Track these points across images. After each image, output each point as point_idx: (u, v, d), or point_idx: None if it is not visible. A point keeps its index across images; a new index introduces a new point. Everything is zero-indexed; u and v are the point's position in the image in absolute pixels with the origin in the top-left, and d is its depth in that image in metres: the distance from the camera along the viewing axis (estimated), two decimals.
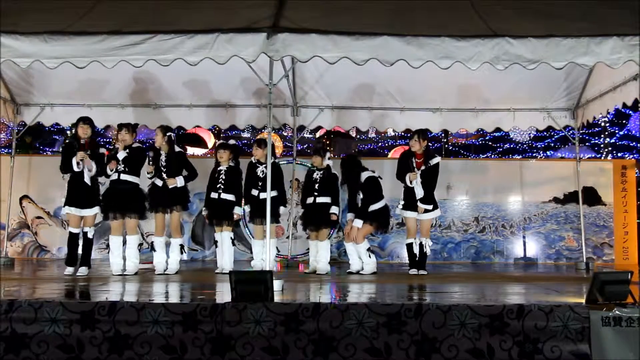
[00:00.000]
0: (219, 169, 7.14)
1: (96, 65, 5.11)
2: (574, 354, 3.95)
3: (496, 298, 4.76)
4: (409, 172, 6.93)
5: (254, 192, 7.07)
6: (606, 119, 14.73)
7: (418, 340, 3.97)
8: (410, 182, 6.92)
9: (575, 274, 7.74)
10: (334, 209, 7.06)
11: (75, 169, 6.43)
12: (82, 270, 6.48)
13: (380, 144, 18.81)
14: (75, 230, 6.59)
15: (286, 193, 7.50)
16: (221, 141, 7.69)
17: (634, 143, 16.63)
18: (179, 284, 5.89)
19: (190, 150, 13.50)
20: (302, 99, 8.78)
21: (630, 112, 14.91)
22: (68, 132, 7.06)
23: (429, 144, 7.25)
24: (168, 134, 6.84)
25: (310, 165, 7.48)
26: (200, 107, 8.83)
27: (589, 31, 5.11)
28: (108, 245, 6.87)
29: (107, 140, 15.64)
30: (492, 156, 17.49)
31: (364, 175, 7.07)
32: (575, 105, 8.68)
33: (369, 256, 7.12)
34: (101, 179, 6.73)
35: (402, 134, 12.83)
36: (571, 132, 8.89)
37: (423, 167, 6.93)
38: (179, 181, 6.73)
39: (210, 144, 15.58)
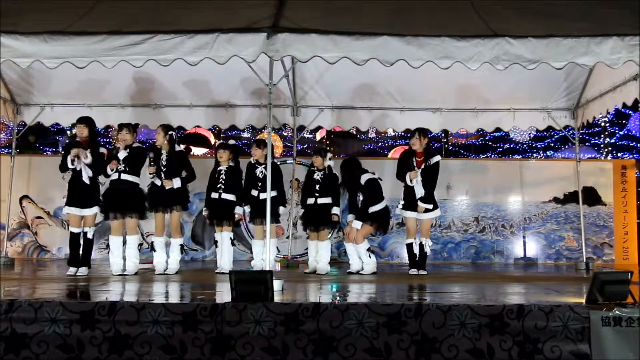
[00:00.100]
0: (219, 169, 7.14)
1: (96, 65, 5.12)
2: (574, 354, 3.95)
3: (496, 298, 4.76)
4: (409, 171, 6.93)
5: (254, 192, 7.08)
6: (606, 119, 14.73)
7: (418, 340, 3.97)
8: (411, 181, 6.92)
9: (575, 274, 7.74)
10: (335, 210, 7.07)
11: (69, 165, 6.45)
12: (82, 270, 6.48)
13: (380, 144, 18.80)
14: (75, 230, 6.59)
15: (286, 193, 7.50)
16: (221, 141, 7.67)
17: (634, 143, 16.62)
18: (179, 284, 5.89)
19: (195, 150, 13.49)
20: (302, 99, 8.78)
21: (630, 112, 14.91)
22: (68, 132, 7.07)
23: (429, 143, 7.25)
24: (169, 132, 6.85)
25: (310, 165, 7.47)
26: (200, 107, 8.83)
27: (589, 31, 5.11)
28: (108, 245, 6.87)
29: (107, 140, 15.65)
30: (492, 156, 17.49)
31: (365, 178, 7.07)
32: (575, 105, 8.68)
33: (369, 256, 7.12)
34: (101, 179, 6.73)
35: (402, 134, 12.83)
36: (571, 132, 8.89)
37: (423, 166, 6.93)
38: (175, 183, 6.71)
39: (212, 143, 15.58)
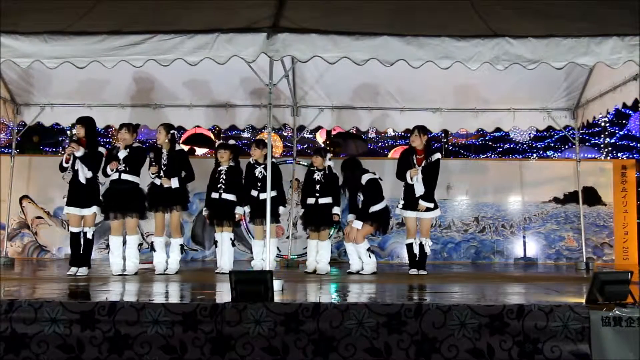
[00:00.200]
0: (219, 169, 7.14)
1: (96, 65, 5.12)
2: (574, 354, 3.95)
3: (496, 298, 4.76)
4: (409, 169, 6.93)
5: (254, 192, 7.07)
6: (606, 119, 14.71)
7: (418, 340, 3.97)
8: (411, 179, 6.92)
9: (575, 274, 7.74)
10: (336, 210, 7.07)
11: (64, 164, 6.49)
12: (82, 271, 6.48)
13: (380, 144, 18.79)
14: (75, 230, 6.60)
15: (285, 193, 7.50)
16: (221, 141, 7.67)
17: (634, 143, 16.60)
18: (179, 284, 5.89)
19: (198, 151, 13.46)
20: (302, 99, 8.78)
21: (630, 112, 14.89)
22: (68, 132, 7.07)
23: (430, 141, 7.26)
24: (171, 131, 6.86)
25: (309, 165, 7.46)
26: (200, 107, 8.83)
27: (589, 31, 5.11)
28: (108, 245, 6.87)
29: (108, 140, 15.64)
30: (492, 156, 17.47)
31: (365, 178, 7.07)
32: (575, 105, 8.68)
33: (369, 256, 7.12)
34: (101, 179, 6.73)
35: (402, 134, 12.81)
36: (571, 132, 8.89)
37: (424, 163, 6.94)
38: (174, 182, 6.71)
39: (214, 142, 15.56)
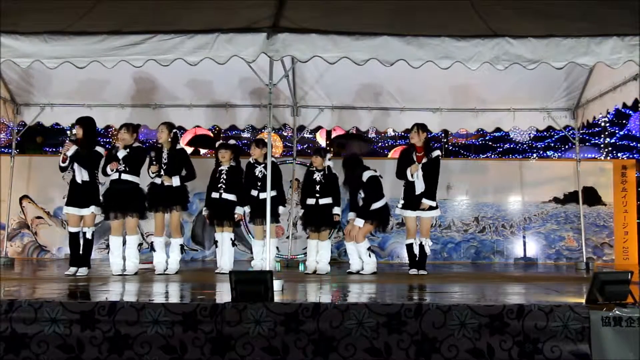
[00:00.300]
0: (220, 168, 7.14)
1: (96, 65, 5.12)
2: (574, 354, 3.95)
3: (496, 298, 4.76)
4: (409, 167, 6.93)
5: (254, 192, 7.07)
6: (606, 119, 14.71)
7: (418, 340, 3.97)
8: (412, 175, 6.91)
9: (575, 274, 7.74)
10: (336, 210, 7.07)
11: (60, 164, 6.52)
12: (82, 271, 6.48)
13: (380, 144, 18.78)
14: (74, 230, 6.61)
15: (285, 193, 7.49)
16: (222, 141, 7.66)
17: (634, 143, 16.60)
18: (179, 284, 5.89)
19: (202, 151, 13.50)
20: (302, 99, 8.78)
21: (630, 112, 14.89)
22: (68, 132, 7.04)
23: (429, 139, 7.27)
24: (173, 130, 6.88)
25: (309, 166, 7.46)
26: (200, 107, 8.83)
27: (589, 31, 5.11)
28: (108, 245, 6.87)
29: (108, 140, 15.65)
30: (492, 156, 17.47)
31: (366, 175, 7.08)
32: (575, 105, 8.68)
33: (369, 255, 7.12)
34: (101, 179, 6.74)
35: (402, 134, 12.81)
36: (571, 132, 8.89)
37: (424, 161, 6.94)
38: (175, 181, 6.72)
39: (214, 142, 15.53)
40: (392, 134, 17.59)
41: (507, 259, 9.50)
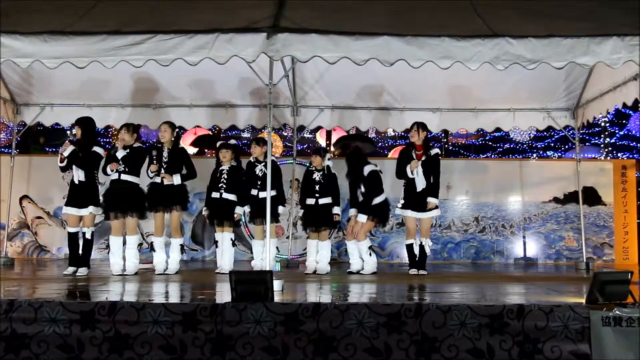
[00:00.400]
0: (220, 168, 7.14)
1: (96, 65, 5.11)
2: (574, 354, 3.95)
3: (496, 298, 4.76)
4: (409, 164, 6.94)
5: (253, 191, 7.07)
6: (606, 119, 14.71)
7: (418, 340, 3.97)
8: (412, 172, 6.91)
9: (575, 274, 7.74)
10: (336, 210, 7.07)
11: (59, 164, 6.56)
12: (82, 271, 6.48)
13: (380, 144, 18.79)
14: (72, 230, 6.62)
15: (284, 192, 7.49)
16: (222, 141, 7.66)
17: (634, 143, 16.61)
18: (179, 284, 5.89)
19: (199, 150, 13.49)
20: (302, 99, 8.78)
21: (630, 112, 14.90)
22: (68, 132, 7.06)
23: (428, 139, 7.28)
24: (175, 130, 6.92)
25: (308, 165, 7.46)
26: (201, 107, 8.83)
27: (589, 31, 5.11)
28: (108, 245, 6.87)
29: (108, 140, 15.65)
30: (492, 156, 17.48)
31: (367, 169, 7.09)
32: (575, 105, 8.68)
33: (370, 254, 7.13)
34: (101, 179, 6.74)
35: (402, 134, 12.81)
36: (571, 132, 8.89)
37: (423, 158, 6.94)
38: (175, 179, 6.72)
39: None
40: (392, 134, 17.60)
41: (507, 259, 9.50)
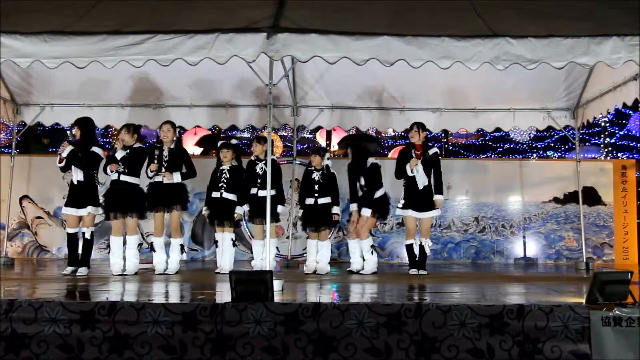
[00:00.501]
0: (221, 168, 7.14)
1: (96, 65, 5.11)
2: (574, 354, 3.95)
3: (496, 298, 4.76)
4: (408, 163, 6.94)
5: (253, 190, 7.06)
6: (606, 119, 14.72)
7: (418, 340, 3.97)
8: (411, 171, 6.91)
9: (575, 274, 7.73)
10: (335, 209, 7.07)
11: (58, 164, 6.58)
12: (82, 271, 6.48)
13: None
14: (71, 231, 6.63)
15: (284, 192, 7.47)
16: (223, 141, 7.65)
17: (634, 143, 16.61)
18: (179, 284, 5.89)
19: (198, 151, 13.51)
20: (302, 99, 8.78)
21: (630, 112, 14.90)
22: (68, 132, 7.10)
23: (427, 139, 7.29)
24: (177, 129, 6.93)
25: (307, 165, 7.45)
26: (201, 107, 8.82)
27: (589, 31, 5.11)
28: (108, 245, 6.88)
29: (108, 140, 15.66)
30: (492, 156, 17.48)
31: (369, 162, 7.11)
32: (576, 105, 8.68)
33: (372, 253, 7.13)
34: (101, 179, 6.74)
35: (402, 134, 12.82)
36: (571, 132, 8.89)
37: (423, 158, 6.95)
38: (176, 177, 6.72)
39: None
40: (392, 134, 17.60)
41: (507, 259, 9.50)
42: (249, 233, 9.15)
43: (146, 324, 3.99)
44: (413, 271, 7.02)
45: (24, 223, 9.47)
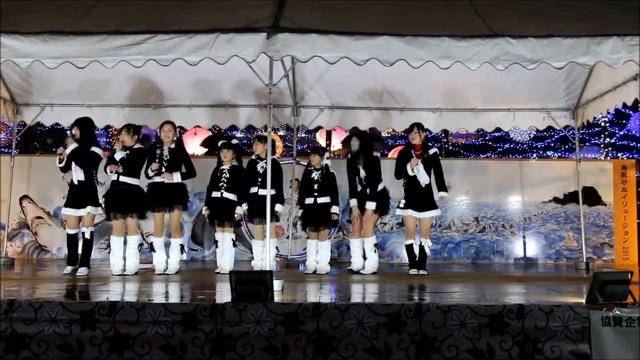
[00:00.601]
0: (221, 168, 7.14)
1: (96, 65, 5.11)
2: (574, 354, 3.95)
3: (496, 298, 4.76)
4: (409, 162, 6.94)
5: (253, 189, 7.05)
6: (606, 119, 14.73)
7: (418, 340, 3.97)
8: (412, 170, 6.92)
9: (575, 274, 7.74)
10: (334, 209, 7.07)
11: (57, 164, 6.61)
12: (82, 271, 6.48)
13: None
14: (72, 232, 6.64)
15: (283, 191, 7.46)
16: (224, 141, 7.65)
17: (634, 143, 16.62)
18: (179, 284, 5.89)
19: (198, 151, 13.52)
20: (302, 99, 8.78)
21: (630, 112, 14.91)
22: (68, 132, 7.14)
23: (427, 139, 7.30)
24: (178, 129, 6.94)
25: (307, 165, 7.44)
26: (201, 107, 8.82)
27: (589, 31, 5.11)
28: (109, 245, 6.88)
29: (108, 140, 15.66)
30: (492, 156, 17.49)
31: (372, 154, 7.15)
32: (576, 105, 8.68)
33: (374, 251, 7.13)
34: (101, 180, 6.74)
35: (402, 134, 12.82)
36: (571, 132, 8.89)
37: (422, 158, 6.96)
38: (175, 177, 6.73)
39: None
40: (392, 133, 17.61)
41: (507, 259, 9.50)
42: (249, 233, 9.15)
43: (146, 324, 3.99)
44: (413, 271, 7.02)
45: (24, 223, 9.48)
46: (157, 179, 6.72)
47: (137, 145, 6.74)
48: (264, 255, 6.52)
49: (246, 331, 3.98)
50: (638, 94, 6.70)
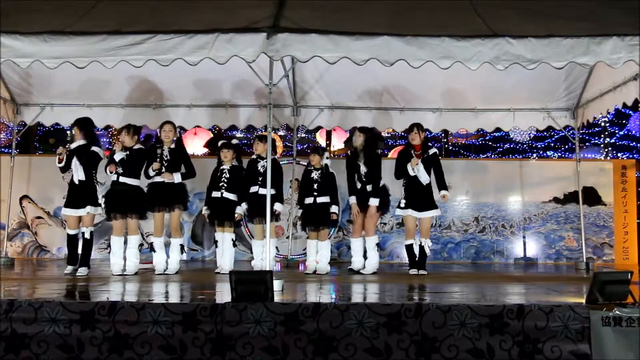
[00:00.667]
0: (221, 168, 7.14)
1: (96, 65, 5.11)
2: (574, 354, 3.95)
3: (496, 298, 4.76)
4: (409, 162, 6.94)
5: (253, 188, 7.05)
6: (606, 119, 14.73)
7: (418, 340, 3.97)
8: (412, 170, 6.92)
9: (575, 274, 7.74)
10: (334, 209, 7.07)
11: (57, 164, 6.61)
12: (82, 271, 6.49)
13: None
14: (72, 232, 6.64)
15: (283, 191, 7.45)
16: (224, 141, 7.65)
17: (634, 143, 16.62)
18: (179, 284, 5.89)
19: (198, 151, 13.52)
20: (302, 99, 8.78)
21: (630, 112, 14.91)
22: (68, 132, 7.15)
23: (427, 139, 7.31)
24: (178, 129, 6.94)
25: (306, 165, 7.44)
26: (201, 107, 8.82)
27: (589, 31, 5.11)
28: (109, 245, 6.88)
29: (108, 140, 15.67)
30: (492, 156, 17.49)
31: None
32: (576, 105, 8.68)
33: (376, 250, 7.13)
34: (101, 180, 6.74)
35: (402, 134, 12.83)
36: (571, 132, 8.89)
37: (422, 158, 6.96)
38: (176, 177, 6.73)
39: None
40: (392, 133, 17.61)
41: (507, 259, 9.50)
42: (249, 233, 9.15)
43: (146, 324, 3.99)
44: (413, 271, 7.02)
45: (24, 223, 9.47)
46: (157, 179, 6.72)
47: (137, 146, 6.74)
48: (264, 255, 6.52)
49: (246, 331, 3.98)
50: (638, 94, 6.70)
